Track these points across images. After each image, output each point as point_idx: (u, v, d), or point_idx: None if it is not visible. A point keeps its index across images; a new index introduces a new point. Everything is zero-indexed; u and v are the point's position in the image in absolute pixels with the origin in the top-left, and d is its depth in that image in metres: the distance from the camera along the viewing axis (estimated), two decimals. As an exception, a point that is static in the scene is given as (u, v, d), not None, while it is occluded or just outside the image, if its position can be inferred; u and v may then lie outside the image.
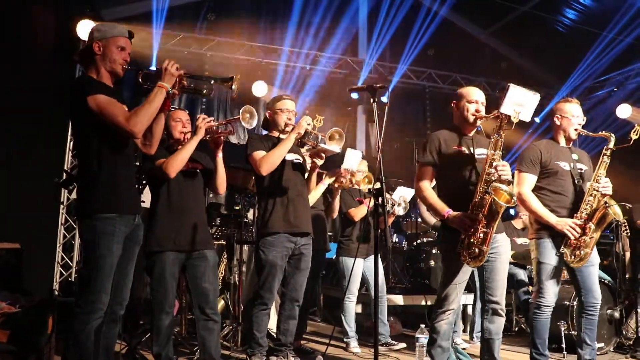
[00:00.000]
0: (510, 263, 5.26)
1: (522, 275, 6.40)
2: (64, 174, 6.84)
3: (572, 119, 4.34)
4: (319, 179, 4.80)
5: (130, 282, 3.35)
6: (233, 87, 3.51)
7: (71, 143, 7.93)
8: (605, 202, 4.08)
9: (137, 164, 4.58)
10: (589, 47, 10.63)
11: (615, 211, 4.08)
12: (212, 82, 3.57)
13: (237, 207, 5.94)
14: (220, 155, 4.13)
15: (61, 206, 7.80)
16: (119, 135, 3.16)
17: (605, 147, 4.22)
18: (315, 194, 4.77)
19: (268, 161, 4.16)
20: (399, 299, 6.56)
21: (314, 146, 4.37)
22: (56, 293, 7.13)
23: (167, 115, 3.91)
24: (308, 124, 4.21)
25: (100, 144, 3.16)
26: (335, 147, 4.33)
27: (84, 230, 3.17)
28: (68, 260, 7.79)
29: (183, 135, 4.13)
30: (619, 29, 9.97)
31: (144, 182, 4.66)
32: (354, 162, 4.86)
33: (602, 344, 5.34)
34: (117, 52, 3.24)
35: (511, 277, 6.16)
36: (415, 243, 7.71)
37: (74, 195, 7.44)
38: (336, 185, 5.03)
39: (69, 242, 7.92)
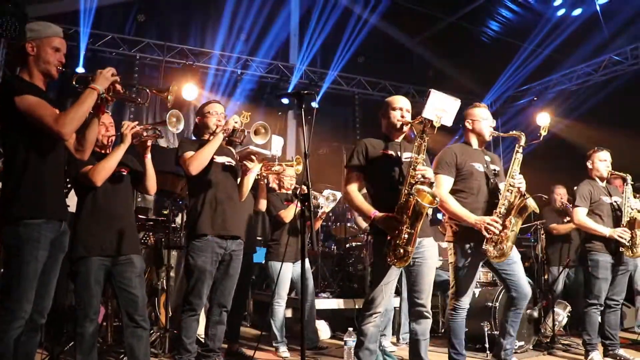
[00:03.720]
0: (437, 267, 5.40)
1: (447, 276, 6.57)
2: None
3: (483, 122, 4.52)
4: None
5: (52, 291, 3.22)
6: (169, 97, 3.49)
7: (-6, 146, 7.61)
8: (524, 195, 4.25)
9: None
10: (511, 58, 11.10)
11: (532, 204, 4.26)
12: (148, 91, 3.52)
13: (165, 212, 5.84)
14: (149, 156, 4.08)
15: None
16: (48, 139, 3.06)
17: (517, 144, 4.41)
18: (246, 187, 4.69)
19: (197, 159, 4.12)
20: (328, 303, 6.62)
21: (242, 143, 4.38)
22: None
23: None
24: (235, 122, 4.25)
25: (28, 147, 3.04)
26: (266, 150, 4.42)
27: (7, 236, 3.01)
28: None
29: (107, 139, 4.05)
30: (538, 42, 10.46)
31: (69, 186, 4.53)
32: (279, 147, 4.93)
33: (522, 342, 5.56)
34: (52, 53, 3.14)
35: (438, 281, 6.33)
36: (344, 247, 7.80)
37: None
38: (264, 172, 5.04)
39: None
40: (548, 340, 5.89)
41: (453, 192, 4.40)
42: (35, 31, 3.13)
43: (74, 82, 3.25)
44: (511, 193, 4.28)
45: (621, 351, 5.32)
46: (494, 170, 4.48)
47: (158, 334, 5.21)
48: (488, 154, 4.61)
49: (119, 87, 3.27)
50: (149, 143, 4.05)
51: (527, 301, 4.47)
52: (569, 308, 6.37)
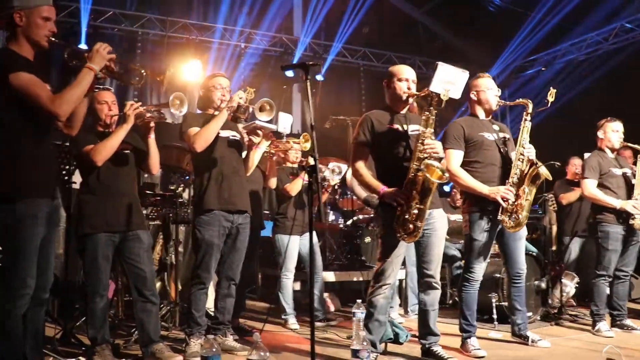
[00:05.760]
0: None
1: (454, 250, 6.58)
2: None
3: (488, 91, 4.50)
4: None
5: (52, 265, 3.21)
6: (164, 82, 3.45)
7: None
8: (536, 163, 4.25)
9: (64, 143, 4.45)
10: (518, 28, 10.93)
11: (545, 171, 4.25)
12: (144, 72, 3.44)
13: (172, 187, 5.84)
14: (152, 136, 4.07)
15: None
16: (40, 115, 2.97)
17: (525, 113, 4.41)
18: (252, 161, 4.63)
19: (202, 137, 4.09)
20: (336, 276, 6.65)
21: (247, 119, 4.35)
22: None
23: (92, 98, 3.79)
24: (240, 98, 4.20)
25: (20, 124, 2.96)
26: (272, 125, 4.40)
27: (3, 215, 2.93)
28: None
29: (110, 118, 4.03)
30: (546, 10, 10.28)
31: (74, 164, 4.52)
32: (287, 124, 4.88)
33: (530, 313, 5.55)
34: (42, 23, 2.99)
35: (445, 252, 6.33)
36: (351, 220, 7.80)
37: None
38: (272, 150, 5.00)
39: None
40: (556, 311, 5.89)
41: (466, 164, 4.40)
42: (24, 0, 2.97)
43: (65, 57, 3.16)
44: (522, 162, 4.29)
45: (628, 321, 5.34)
46: (504, 137, 4.47)
47: (168, 308, 5.25)
48: (496, 123, 4.60)
49: (112, 65, 3.19)
50: (152, 124, 4.04)
51: (523, 276, 4.60)
52: (576, 279, 6.37)
